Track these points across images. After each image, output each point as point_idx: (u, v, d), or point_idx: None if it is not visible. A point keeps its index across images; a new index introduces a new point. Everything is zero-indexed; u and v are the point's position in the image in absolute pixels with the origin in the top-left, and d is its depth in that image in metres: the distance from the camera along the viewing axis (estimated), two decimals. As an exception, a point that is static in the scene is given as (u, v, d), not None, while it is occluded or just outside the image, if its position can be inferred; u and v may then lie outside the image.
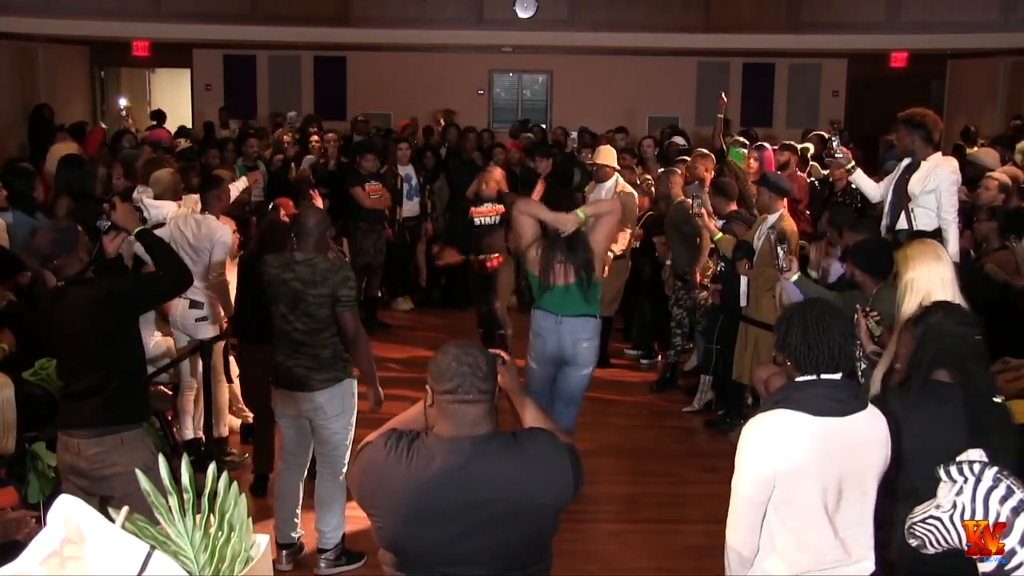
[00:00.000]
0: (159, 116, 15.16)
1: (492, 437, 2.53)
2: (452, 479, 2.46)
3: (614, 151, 8.35)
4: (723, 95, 8.70)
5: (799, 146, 9.56)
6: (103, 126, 11.14)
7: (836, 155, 6.57)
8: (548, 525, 2.57)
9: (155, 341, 6.13)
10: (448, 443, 2.50)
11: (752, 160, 8.38)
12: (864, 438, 2.82)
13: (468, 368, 2.50)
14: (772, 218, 6.20)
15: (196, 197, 7.16)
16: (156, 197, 6.66)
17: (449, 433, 2.51)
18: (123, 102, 14.10)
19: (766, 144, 9.09)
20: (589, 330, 5.38)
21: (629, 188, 8.15)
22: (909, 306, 3.91)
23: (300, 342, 4.63)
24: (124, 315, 3.96)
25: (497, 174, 7.99)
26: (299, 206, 6.00)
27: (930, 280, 3.91)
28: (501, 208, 7.72)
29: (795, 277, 5.02)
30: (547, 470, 2.53)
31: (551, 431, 2.67)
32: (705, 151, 8.51)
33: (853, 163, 6.42)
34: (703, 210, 6.58)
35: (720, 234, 6.51)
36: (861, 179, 6.39)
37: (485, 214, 7.82)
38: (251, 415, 6.44)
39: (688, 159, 8.75)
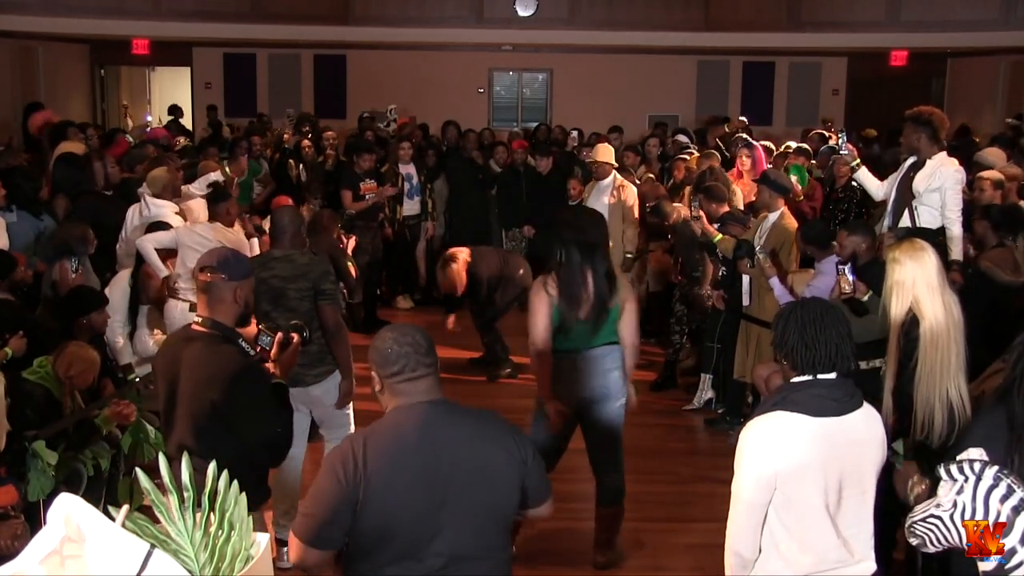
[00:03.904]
0: (175, 111, 15.14)
1: (445, 401, 2.68)
2: (419, 438, 2.58)
3: (611, 148, 8.36)
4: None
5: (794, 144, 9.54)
6: (129, 139, 11.05)
7: (841, 152, 6.55)
8: (511, 494, 2.65)
9: (153, 340, 6.13)
10: (405, 409, 2.63)
11: (744, 158, 8.38)
12: (862, 437, 2.82)
13: (410, 348, 2.66)
14: (773, 216, 6.19)
15: (193, 192, 7.25)
16: (154, 195, 6.72)
17: (404, 403, 2.65)
18: (149, 118, 14.20)
19: (755, 143, 9.07)
20: (616, 359, 4.69)
21: (628, 186, 8.15)
22: (896, 310, 3.86)
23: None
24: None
25: (453, 275, 7.48)
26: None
27: (916, 285, 3.84)
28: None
29: (866, 296, 4.80)
30: (499, 431, 2.69)
31: None
32: (711, 150, 8.51)
33: (858, 160, 6.41)
34: (700, 212, 6.57)
35: (719, 235, 6.49)
36: (865, 177, 6.38)
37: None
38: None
39: (689, 158, 8.74)
